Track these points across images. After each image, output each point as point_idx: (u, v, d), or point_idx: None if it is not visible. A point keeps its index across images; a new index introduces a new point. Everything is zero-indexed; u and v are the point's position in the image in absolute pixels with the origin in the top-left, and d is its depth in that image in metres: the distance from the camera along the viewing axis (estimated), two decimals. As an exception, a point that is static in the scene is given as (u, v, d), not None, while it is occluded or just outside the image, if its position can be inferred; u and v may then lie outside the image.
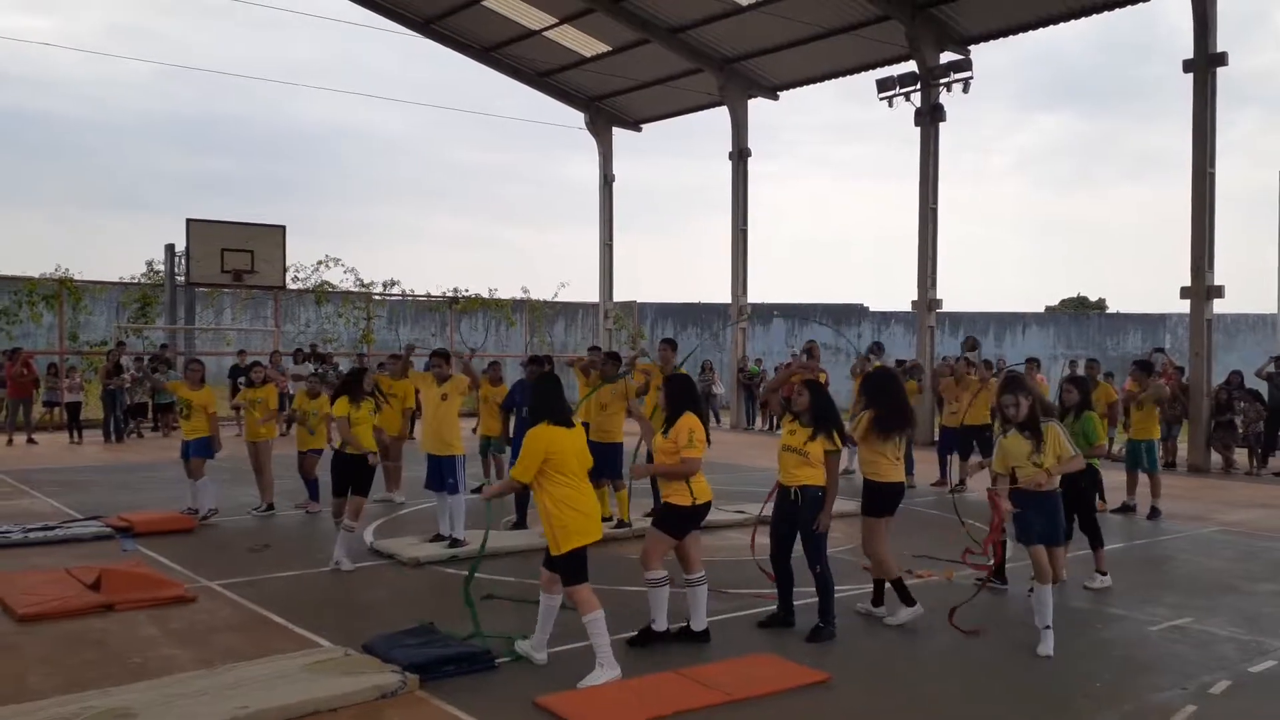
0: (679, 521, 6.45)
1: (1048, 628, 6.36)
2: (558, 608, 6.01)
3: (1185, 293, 16.86)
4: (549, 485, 5.77)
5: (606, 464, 9.76)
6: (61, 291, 23.09)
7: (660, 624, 6.44)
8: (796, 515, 6.70)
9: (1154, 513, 11.47)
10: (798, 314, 34.42)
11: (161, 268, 23.77)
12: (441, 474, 9.16)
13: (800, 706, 5.41)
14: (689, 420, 6.45)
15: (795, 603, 6.98)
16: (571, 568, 5.79)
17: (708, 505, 6.54)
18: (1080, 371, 14.21)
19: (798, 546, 6.80)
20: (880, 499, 7.09)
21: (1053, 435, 6.55)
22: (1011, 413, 6.61)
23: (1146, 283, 78.33)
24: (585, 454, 6.02)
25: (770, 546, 6.98)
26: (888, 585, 7.20)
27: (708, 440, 6.74)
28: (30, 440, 18.77)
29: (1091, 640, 6.73)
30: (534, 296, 30.31)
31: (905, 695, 5.63)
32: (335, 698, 5.26)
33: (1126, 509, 11.83)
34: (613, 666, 5.66)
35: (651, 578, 6.40)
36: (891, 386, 7.29)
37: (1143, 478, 11.77)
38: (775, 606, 7.09)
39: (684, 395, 6.66)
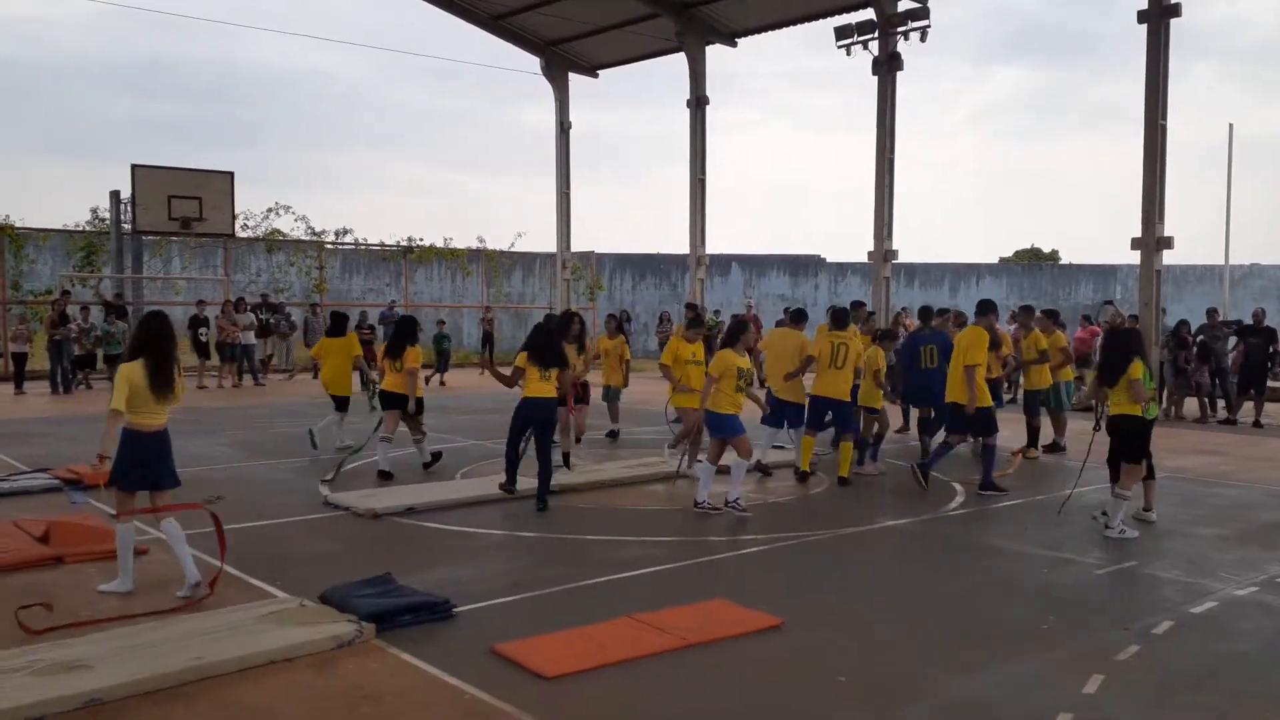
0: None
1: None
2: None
3: (1136, 244, 17.09)
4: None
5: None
6: (2, 239, 22.49)
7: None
8: None
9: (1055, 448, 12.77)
10: (756, 264, 34.49)
11: (107, 215, 23.22)
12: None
13: (754, 650, 5.49)
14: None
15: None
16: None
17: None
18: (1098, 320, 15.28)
19: None
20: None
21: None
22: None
23: (1099, 234, 79.38)
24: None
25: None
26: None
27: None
28: (-26, 392, 18.38)
29: (1038, 583, 6.88)
30: (490, 246, 30.08)
31: (855, 638, 5.73)
32: (291, 648, 5.24)
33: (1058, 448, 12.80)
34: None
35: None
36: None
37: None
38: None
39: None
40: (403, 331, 10.85)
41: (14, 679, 4.71)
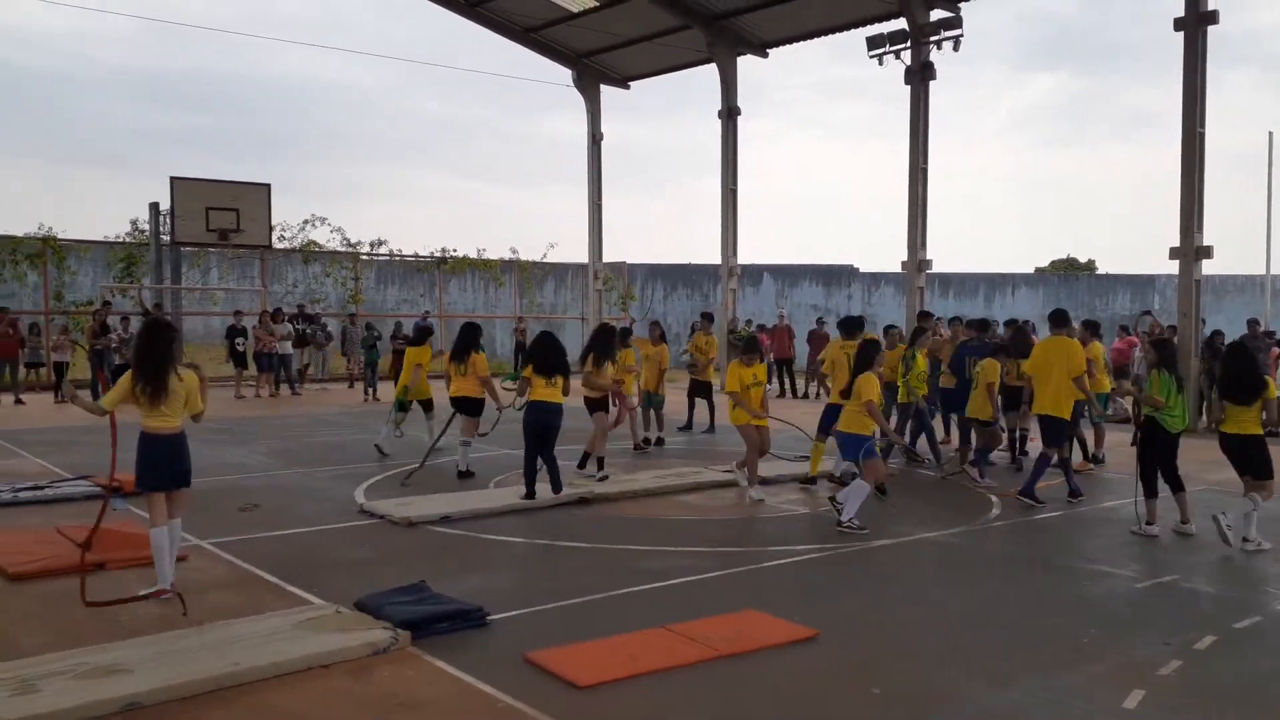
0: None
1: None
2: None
3: (1174, 253, 16.87)
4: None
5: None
6: (45, 250, 22.90)
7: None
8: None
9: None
10: (788, 274, 34.40)
11: (146, 227, 23.58)
12: None
13: (788, 661, 5.46)
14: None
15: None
16: None
17: None
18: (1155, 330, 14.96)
19: None
20: None
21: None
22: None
23: (1137, 244, 78.23)
24: None
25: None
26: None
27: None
28: (18, 401, 18.70)
29: (1077, 596, 6.80)
30: (523, 257, 30.21)
31: (890, 650, 5.69)
32: (327, 654, 5.29)
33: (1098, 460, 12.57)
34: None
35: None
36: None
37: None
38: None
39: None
40: (466, 337, 11.29)
41: (56, 682, 4.79)
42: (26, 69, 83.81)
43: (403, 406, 12.90)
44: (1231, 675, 5.36)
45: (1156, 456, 8.57)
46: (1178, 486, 8.59)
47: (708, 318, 16.59)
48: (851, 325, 11.20)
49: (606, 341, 11.22)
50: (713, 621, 5.97)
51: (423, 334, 13.40)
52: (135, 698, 4.69)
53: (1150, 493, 8.60)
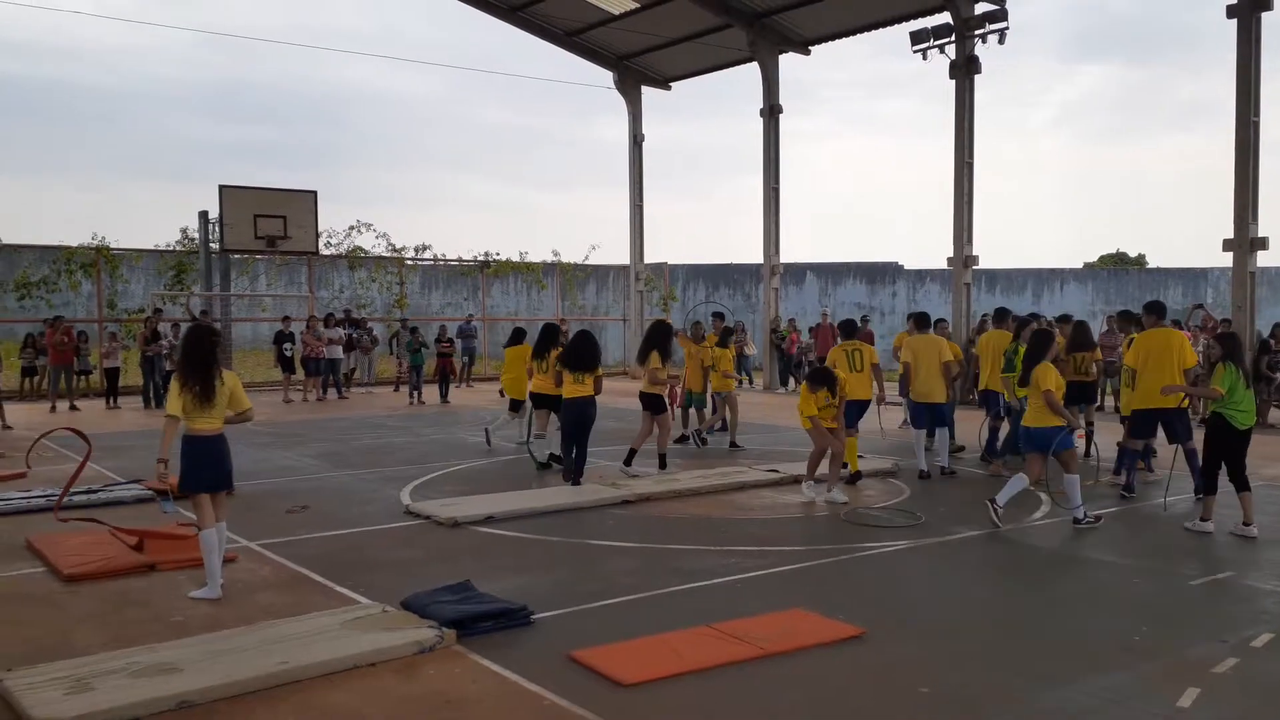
0: None
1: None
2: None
3: (1228, 245, 16.53)
4: None
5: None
6: (99, 260, 23.34)
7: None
8: None
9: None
10: (831, 273, 34.19)
11: (196, 235, 23.94)
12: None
13: (834, 661, 5.41)
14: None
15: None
16: None
17: None
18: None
19: None
20: None
21: None
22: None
23: (1189, 237, 76.70)
24: None
25: None
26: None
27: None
28: (73, 407, 19.09)
29: (1130, 594, 6.67)
30: (565, 259, 30.27)
31: (939, 649, 5.61)
32: (374, 653, 5.33)
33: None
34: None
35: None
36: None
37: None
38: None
39: None
40: (547, 337, 12.13)
41: (112, 680, 4.88)
42: (81, 83, 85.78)
43: (515, 406, 13.63)
44: (1291, 674, 5.22)
45: (1224, 453, 8.31)
46: (1242, 485, 8.34)
47: (719, 316, 15.37)
48: (849, 328, 11.56)
49: (665, 337, 11.75)
50: (758, 620, 5.94)
51: (519, 335, 14.01)
52: (186, 696, 4.76)
53: (1210, 489, 8.40)
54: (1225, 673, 5.19)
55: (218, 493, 6.69)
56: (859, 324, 11.98)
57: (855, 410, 10.87)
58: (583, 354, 10.41)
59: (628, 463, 11.17)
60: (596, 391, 10.43)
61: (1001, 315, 12.59)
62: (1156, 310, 10.15)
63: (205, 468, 6.58)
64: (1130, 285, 32.38)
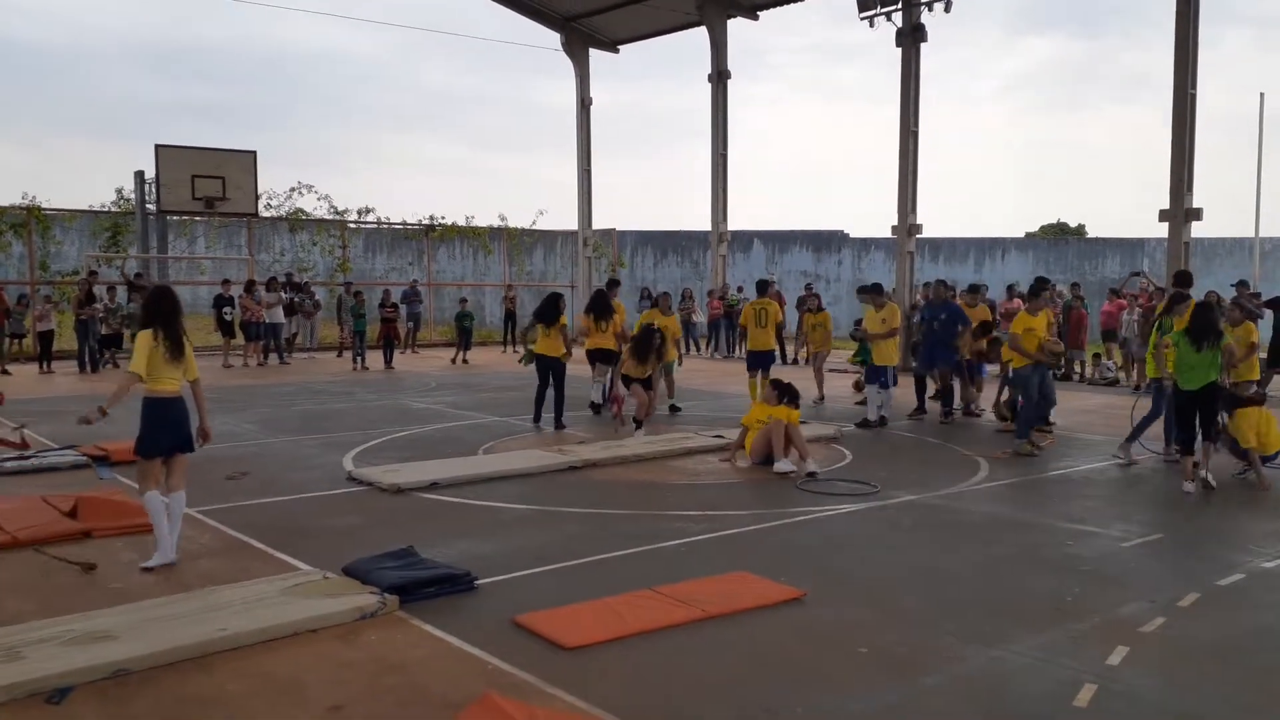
0: None
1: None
2: None
3: (1164, 215, 16.86)
4: None
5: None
6: (30, 220, 22.69)
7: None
8: None
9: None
10: (778, 240, 34.32)
11: (132, 196, 23.37)
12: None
13: (776, 622, 5.48)
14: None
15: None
16: None
17: None
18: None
19: None
20: None
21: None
22: None
23: (1126, 207, 78.07)
24: None
25: None
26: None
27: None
28: (3, 371, 18.60)
29: (1062, 555, 6.83)
30: (512, 224, 30.04)
31: (877, 610, 5.71)
32: (315, 619, 5.29)
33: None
34: None
35: None
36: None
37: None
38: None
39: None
40: (601, 301, 13.30)
41: (44, 649, 4.78)
42: (13, 38, 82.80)
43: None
44: (1213, 631, 5.40)
45: (1195, 411, 8.83)
46: (1209, 435, 8.99)
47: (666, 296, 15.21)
48: (762, 287, 14.81)
49: (602, 304, 13.23)
50: (701, 583, 5.99)
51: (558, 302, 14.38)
52: (123, 663, 4.68)
53: (1187, 450, 8.88)
54: (1153, 631, 5.35)
55: (173, 457, 6.56)
56: (805, 292, 13.43)
57: (761, 359, 13.83)
58: (549, 312, 12.37)
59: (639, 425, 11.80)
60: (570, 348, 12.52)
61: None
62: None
63: (166, 430, 6.46)
64: (1070, 255, 32.93)
